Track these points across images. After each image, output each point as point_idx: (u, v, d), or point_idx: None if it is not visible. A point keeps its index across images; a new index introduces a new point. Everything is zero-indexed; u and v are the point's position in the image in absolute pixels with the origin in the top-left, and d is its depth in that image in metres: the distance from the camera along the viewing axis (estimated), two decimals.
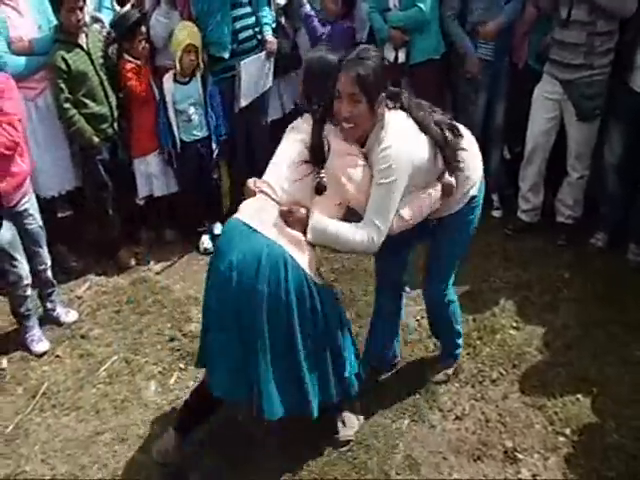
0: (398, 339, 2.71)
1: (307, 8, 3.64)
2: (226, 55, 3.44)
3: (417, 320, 3.00)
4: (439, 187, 2.14)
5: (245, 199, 2.14)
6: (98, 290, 3.39)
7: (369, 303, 3.09)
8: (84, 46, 3.18)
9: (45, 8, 3.18)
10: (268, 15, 3.56)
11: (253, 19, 3.50)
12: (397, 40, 3.45)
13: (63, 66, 3.09)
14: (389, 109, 2.07)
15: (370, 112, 2.00)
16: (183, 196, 3.69)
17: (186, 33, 3.30)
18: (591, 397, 2.54)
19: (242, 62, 3.38)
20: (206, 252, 3.64)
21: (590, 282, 3.18)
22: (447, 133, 2.12)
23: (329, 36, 3.57)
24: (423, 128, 2.08)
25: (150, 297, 3.29)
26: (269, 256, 1.95)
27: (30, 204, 2.84)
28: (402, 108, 2.11)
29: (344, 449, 2.37)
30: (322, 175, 2.00)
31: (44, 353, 2.93)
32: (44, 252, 2.98)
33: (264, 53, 3.49)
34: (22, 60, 3.09)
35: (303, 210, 2.03)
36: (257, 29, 3.52)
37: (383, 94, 2.01)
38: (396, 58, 3.49)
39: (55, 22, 3.15)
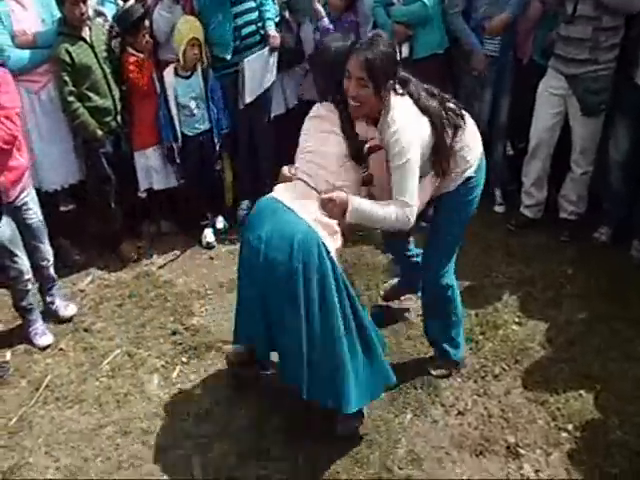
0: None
1: (326, 22, 3.55)
2: (228, 56, 3.45)
3: (419, 315, 2.99)
4: (432, 178, 2.23)
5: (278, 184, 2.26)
6: (101, 284, 3.39)
7: (371, 298, 3.10)
8: (88, 39, 3.18)
9: (48, 1, 3.17)
10: (271, 9, 3.54)
11: (256, 14, 3.48)
12: (400, 35, 3.44)
13: (67, 59, 3.09)
14: (397, 94, 2.13)
15: (376, 96, 2.08)
16: (185, 190, 3.68)
17: (189, 27, 3.29)
18: (594, 393, 2.53)
19: (246, 60, 3.36)
20: (208, 246, 3.65)
21: (593, 278, 3.17)
22: (447, 129, 2.18)
23: (333, 31, 3.55)
24: (426, 113, 2.14)
25: (153, 291, 3.30)
26: (304, 239, 2.06)
27: (30, 198, 2.83)
28: (410, 94, 2.15)
29: (347, 441, 2.37)
30: (367, 169, 2.18)
31: (47, 346, 2.94)
32: (45, 247, 2.97)
33: (267, 48, 3.48)
34: (26, 53, 3.09)
35: (342, 195, 2.11)
36: (260, 24, 3.50)
37: (391, 81, 2.08)
38: (399, 53, 3.47)
39: (58, 15, 3.15)
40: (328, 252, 2.09)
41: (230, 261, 3.53)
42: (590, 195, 3.45)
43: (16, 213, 2.77)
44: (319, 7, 3.57)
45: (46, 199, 3.16)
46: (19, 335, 2.99)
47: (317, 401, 2.23)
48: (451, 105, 2.24)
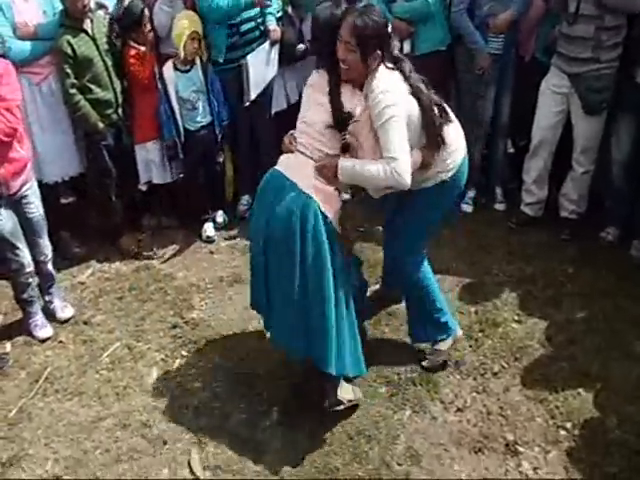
0: None
1: None
2: (221, 59, 3.46)
3: None
4: (420, 153, 2.24)
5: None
6: (101, 276, 3.39)
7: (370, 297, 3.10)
8: (89, 31, 3.17)
9: None
10: (274, 4, 3.53)
11: (256, 10, 3.45)
12: (402, 31, 3.43)
13: (69, 51, 3.08)
14: (387, 68, 2.18)
15: (363, 63, 2.14)
16: (186, 184, 3.67)
17: (189, 21, 3.28)
18: (593, 392, 2.53)
19: (249, 57, 3.34)
20: (208, 240, 3.64)
21: (594, 277, 3.17)
22: (435, 109, 2.22)
23: None
24: (415, 93, 2.18)
25: (153, 284, 3.29)
26: (302, 208, 2.19)
27: (31, 192, 2.82)
28: (401, 71, 2.20)
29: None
30: (346, 136, 2.22)
31: (47, 338, 2.94)
32: (44, 242, 2.95)
33: (267, 43, 3.46)
34: (27, 45, 3.08)
35: (333, 159, 2.23)
36: (260, 20, 3.48)
37: (379, 51, 2.14)
38: (401, 49, 3.47)
39: (59, 7, 3.13)
40: (325, 217, 2.23)
41: (230, 255, 3.53)
42: (591, 194, 3.45)
43: (17, 206, 2.76)
44: None
45: (47, 191, 3.14)
46: (19, 327, 2.99)
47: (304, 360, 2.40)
48: (436, 100, 2.26)
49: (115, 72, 3.30)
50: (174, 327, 2.99)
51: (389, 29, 2.23)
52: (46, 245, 2.97)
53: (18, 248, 2.77)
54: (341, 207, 2.32)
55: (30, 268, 2.85)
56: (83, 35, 3.14)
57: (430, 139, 2.24)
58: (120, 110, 3.37)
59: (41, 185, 3.03)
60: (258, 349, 2.82)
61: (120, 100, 3.35)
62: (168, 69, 3.39)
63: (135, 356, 2.83)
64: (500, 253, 3.41)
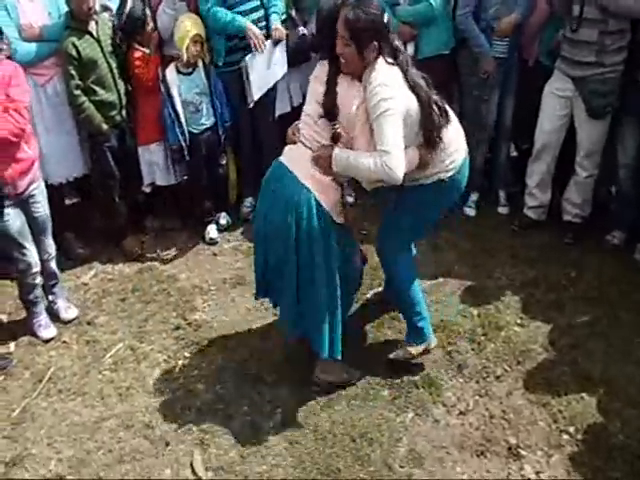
0: None
1: None
2: (220, 63, 3.47)
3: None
4: (417, 152, 2.25)
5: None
6: (104, 277, 3.40)
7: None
8: (94, 33, 3.18)
9: None
10: (279, 4, 3.53)
11: (259, 13, 3.44)
12: (406, 35, 3.42)
13: (74, 53, 3.10)
14: (387, 63, 2.18)
15: (359, 56, 2.14)
16: (189, 186, 3.68)
17: (191, 24, 3.29)
18: (597, 396, 2.53)
19: (247, 57, 3.33)
20: (211, 242, 3.65)
21: (597, 281, 3.17)
22: (435, 107, 2.22)
23: None
24: (413, 88, 2.18)
25: (156, 286, 3.30)
26: (299, 198, 2.26)
27: (38, 191, 2.84)
28: (399, 66, 2.19)
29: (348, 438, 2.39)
30: (337, 126, 2.23)
31: (51, 339, 2.94)
32: (49, 241, 2.97)
33: (269, 42, 3.44)
34: (33, 47, 3.09)
35: (327, 149, 2.25)
36: (263, 23, 3.46)
37: (375, 43, 2.13)
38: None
39: (64, 9, 3.15)
40: (320, 206, 2.28)
41: (233, 257, 3.53)
42: (595, 197, 3.45)
43: (24, 205, 2.78)
44: None
45: (51, 192, 3.15)
46: (23, 327, 3.00)
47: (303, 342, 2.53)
48: (436, 99, 2.25)
49: (119, 74, 3.32)
50: (177, 328, 3.00)
51: (386, 20, 2.21)
52: (50, 244, 2.98)
53: (25, 248, 2.78)
54: (346, 207, 2.37)
55: (37, 268, 2.86)
56: (88, 37, 3.15)
57: (428, 137, 2.24)
58: (124, 112, 3.38)
59: (46, 186, 3.03)
60: (261, 350, 2.83)
61: (124, 102, 3.36)
62: (171, 72, 3.39)
63: (138, 357, 2.83)
64: (503, 256, 3.40)
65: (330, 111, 2.25)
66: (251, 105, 3.47)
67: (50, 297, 3.08)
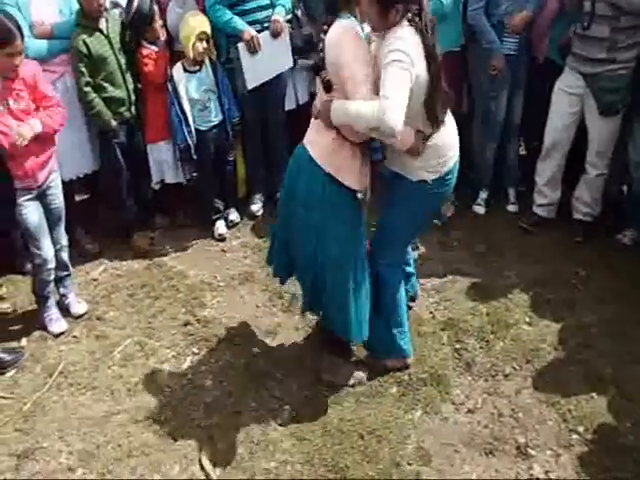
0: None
1: None
2: (221, 59, 3.48)
3: (431, 312, 3.00)
4: (413, 133, 2.20)
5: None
6: (113, 273, 3.42)
7: None
8: (104, 31, 3.20)
9: None
10: (286, 3, 3.51)
11: (264, 14, 3.43)
12: None
13: (84, 50, 3.12)
14: (410, 25, 2.10)
15: (382, 17, 2.09)
16: (198, 182, 3.68)
17: (197, 22, 3.30)
18: (607, 396, 2.52)
19: (239, 45, 3.31)
20: (220, 238, 3.66)
21: (607, 280, 3.15)
22: (442, 84, 2.18)
23: None
24: (428, 57, 2.11)
25: (164, 282, 3.31)
26: (298, 160, 2.36)
27: (55, 183, 2.87)
28: (422, 32, 2.11)
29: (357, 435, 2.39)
30: (324, 73, 2.21)
31: (61, 333, 2.96)
32: (61, 230, 2.98)
33: (266, 33, 3.40)
34: (44, 44, 3.11)
35: (329, 102, 2.20)
36: (267, 25, 3.43)
37: (399, 6, 2.07)
38: None
39: (76, 7, 3.16)
40: (316, 164, 2.28)
41: (242, 254, 3.54)
42: (606, 196, 3.43)
43: (41, 197, 2.80)
44: None
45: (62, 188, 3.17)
46: (34, 321, 3.02)
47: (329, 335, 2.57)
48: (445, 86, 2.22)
49: (128, 71, 3.33)
50: (186, 325, 3.01)
51: None
52: (63, 234, 3.00)
53: (42, 242, 2.80)
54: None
55: (52, 264, 2.87)
56: (98, 34, 3.17)
57: (428, 114, 2.18)
58: (133, 108, 3.39)
59: None
60: (269, 347, 2.83)
61: (133, 98, 3.38)
62: (178, 70, 3.39)
63: (147, 353, 2.85)
64: (512, 255, 3.39)
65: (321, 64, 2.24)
66: (245, 92, 3.44)
67: (61, 290, 3.10)
